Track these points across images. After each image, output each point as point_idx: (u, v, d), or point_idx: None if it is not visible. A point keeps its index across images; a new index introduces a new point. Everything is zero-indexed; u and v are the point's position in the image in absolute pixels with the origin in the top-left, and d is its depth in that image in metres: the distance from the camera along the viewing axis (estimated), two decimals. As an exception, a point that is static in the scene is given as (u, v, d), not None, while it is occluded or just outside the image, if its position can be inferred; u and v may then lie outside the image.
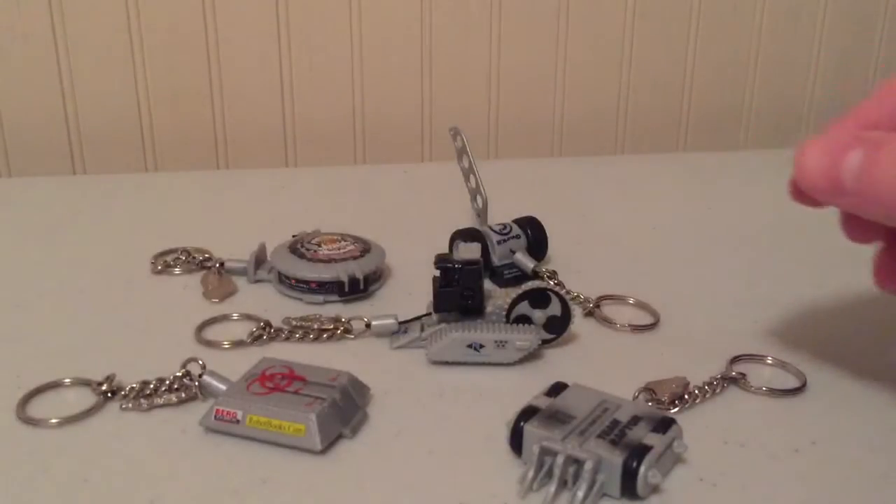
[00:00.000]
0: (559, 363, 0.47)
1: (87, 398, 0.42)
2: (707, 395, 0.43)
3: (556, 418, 0.37)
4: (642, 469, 0.34)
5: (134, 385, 0.42)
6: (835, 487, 0.37)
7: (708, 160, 0.85)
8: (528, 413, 0.38)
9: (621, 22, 0.87)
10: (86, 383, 0.43)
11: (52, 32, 0.78)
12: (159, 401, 0.42)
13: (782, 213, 0.71)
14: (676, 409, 0.42)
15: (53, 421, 0.40)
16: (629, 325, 0.51)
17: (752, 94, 0.93)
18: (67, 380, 0.44)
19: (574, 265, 0.59)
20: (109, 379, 0.43)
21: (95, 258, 0.59)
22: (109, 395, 0.42)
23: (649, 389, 0.43)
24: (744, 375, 0.45)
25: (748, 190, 0.76)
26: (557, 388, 0.40)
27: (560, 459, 0.35)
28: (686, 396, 0.43)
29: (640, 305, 0.53)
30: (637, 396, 0.42)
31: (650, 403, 0.42)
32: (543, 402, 0.39)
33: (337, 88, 0.84)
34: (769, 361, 0.47)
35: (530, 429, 0.37)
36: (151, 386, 0.42)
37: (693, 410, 0.42)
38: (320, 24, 0.82)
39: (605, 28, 0.87)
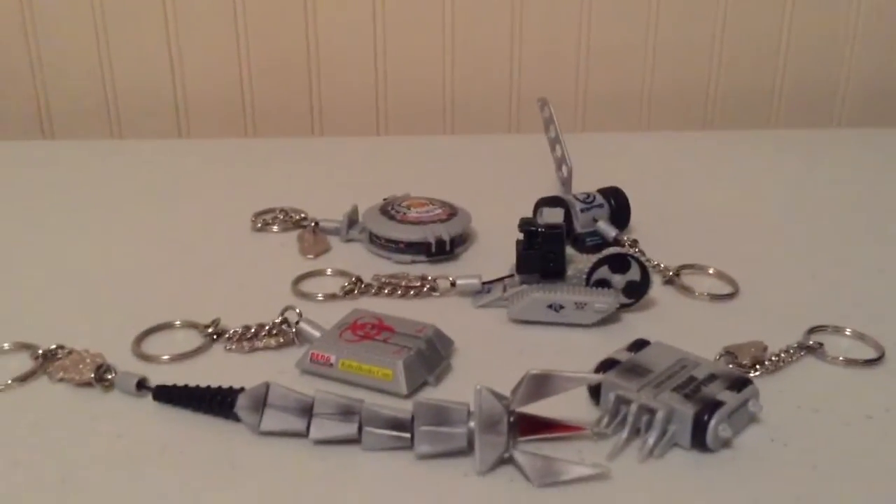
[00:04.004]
0: (637, 327, 0.48)
1: (194, 339, 0.46)
2: (784, 363, 0.44)
3: (635, 371, 0.39)
4: (713, 423, 0.36)
5: (237, 329, 0.46)
6: (907, 454, 0.38)
7: (800, 137, 0.84)
8: (608, 364, 0.40)
9: (714, -4, 0.87)
10: (194, 326, 0.47)
11: (163, 6, 0.82)
12: (259, 344, 0.45)
13: (871, 189, 0.70)
14: (757, 374, 0.43)
15: (165, 357, 0.44)
16: (708, 294, 0.51)
17: (847, 71, 0.91)
18: (178, 322, 0.47)
19: (656, 235, 0.60)
20: (215, 322, 0.46)
21: (200, 216, 0.63)
22: (215, 337, 0.46)
23: (730, 353, 0.44)
24: (821, 345, 0.45)
25: (838, 166, 0.75)
26: (639, 344, 0.42)
27: (634, 408, 0.36)
28: (766, 362, 0.44)
29: (720, 276, 0.54)
30: (718, 358, 0.43)
31: (730, 366, 0.43)
32: (624, 356, 0.40)
33: (428, 61, 0.86)
34: (848, 333, 0.47)
35: (609, 378, 0.38)
36: (252, 330, 0.46)
37: (769, 376, 0.43)
38: (414, -3, 0.84)
39: (696, 2, 0.87)
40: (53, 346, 0.44)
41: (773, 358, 0.44)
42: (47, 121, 0.86)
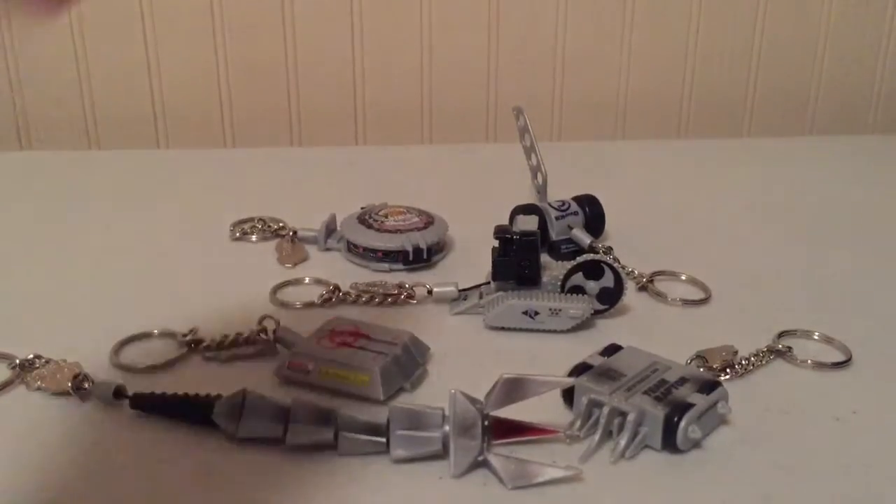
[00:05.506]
0: (611, 332, 0.49)
1: (172, 348, 0.46)
2: (753, 366, 0.45)
3: (607, 375, 0.40)
4: (683, 424, 0.37)
5: (215, 338, 0.46)
6: (872, 453, 0.39)
7: (771, 145, 0.86)
8: (582, 368, 0.40)
9: (687, 5, 0.88)
10: (172, 335, 0.47)
11: (141, 13, 0.82)
12: (237, 352, 0.46)
13: (841, 197, 0.71)
14: (727, 377, 0.44)
15: (142, 366, 0.44)
16: (680, 300, 0.52)
17: (818, 79, 0.93)
18: (156, 331, 0.48)
19: (630, 242, 0.61)
20: (193, 331, 0.47)
21: (178, 225, 0.64)
22: (193, 345, 0.46)
23: (701, 357, 0.45)
24: (790, 349, 0.46)
25: (808, 174, 0.77)
26: (612, 349, 0.42)
27: (606, 410, 0.37)
28: (736, 365, 0.44)
29: (693, 282, 0.55)
30: (689, 362, 0.44)
31: (701, 369, 0.44)
32: (597, 360, 0.41)
33: (406, 72, 0.87)
34: (816, 337, 0.48)
35: (581, 382, 0.39)
36: (230, 339, 0.46)
37: (739, 379, 0.44)
38: (390, 7, 0.85)
39: (670, 11, 0.88)
40: (31, 356, 0.44)
41: (744, 361, 0.45)
42: (24, 131, 0.86)
